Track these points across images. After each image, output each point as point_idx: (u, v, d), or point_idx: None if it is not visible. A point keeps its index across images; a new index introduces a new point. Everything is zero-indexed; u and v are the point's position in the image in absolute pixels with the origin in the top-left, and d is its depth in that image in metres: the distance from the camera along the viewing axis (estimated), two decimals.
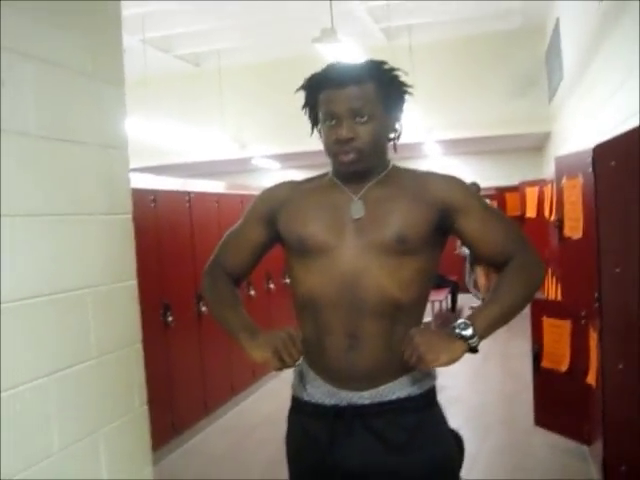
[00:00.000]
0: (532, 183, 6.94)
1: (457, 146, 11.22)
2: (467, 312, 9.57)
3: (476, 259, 1.81)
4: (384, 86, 1.71)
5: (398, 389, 1.70)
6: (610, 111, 4.60)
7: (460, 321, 1.62)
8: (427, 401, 1.75)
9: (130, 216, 2.46)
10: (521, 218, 6.98)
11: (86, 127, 2.27)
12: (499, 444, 4.46)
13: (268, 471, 4.07)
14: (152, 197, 4.41)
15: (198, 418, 4.96)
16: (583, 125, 6.02)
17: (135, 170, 9.34)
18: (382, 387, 1.69)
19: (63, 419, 2.08)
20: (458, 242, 2.10)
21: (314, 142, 1.83)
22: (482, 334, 1.62)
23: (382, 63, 1.75)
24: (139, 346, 2.49)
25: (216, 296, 1.89)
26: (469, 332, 1.60)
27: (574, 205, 3.63)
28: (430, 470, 1.70)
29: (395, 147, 1.80)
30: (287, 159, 11.40)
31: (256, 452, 4.48)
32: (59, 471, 2.05)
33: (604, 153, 3.23)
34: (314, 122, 1.78)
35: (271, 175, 11.59)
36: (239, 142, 10.25)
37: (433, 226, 1.69)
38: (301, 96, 1.78)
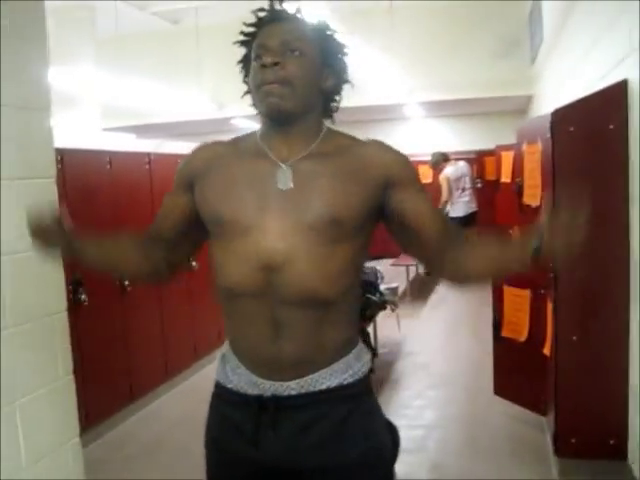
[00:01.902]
0: (507, 147, 6.81)
1: (439, 108, 11.05)
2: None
3: (409, 246, 1.64)
4: (322, 34, 1.60)
5: (328, 378, 1.56)
6: (584, 73, 4.47)
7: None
8: (360, 389, 1.62)
9: (53, 180, 2.36)
10: (496, 182, 6.87)
11: (4, 88, 2.13)
12: (459, 412, 4.43)
13: None
14: (107, 159, 4.29)
15: (158, 383, 4.90)
16: (560, 88, 5.89)
17: (110, 130, 9.16)
18: (310, 376, 1.55)
19: None
20: None
21: None
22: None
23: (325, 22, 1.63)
24: (62, 315, 2.41)
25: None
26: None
27: (533, 172, 3.54)
28: (360, 465, 1.58)
29: (333, 119, 1.66)
30: None
31: None
32: None
33: (563, 118, 3.13)
34: (247, 74, 1.62)
35: None
36: (217, 102, 10.06)
37: (371, 206, 1.54)
38: None
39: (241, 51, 1.64)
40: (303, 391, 1.55)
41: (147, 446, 4.07)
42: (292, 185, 1.51)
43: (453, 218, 9.65)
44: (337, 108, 1.68)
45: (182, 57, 9.83)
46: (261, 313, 1.52)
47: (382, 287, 5.29)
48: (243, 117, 11.00)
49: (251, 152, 1.59)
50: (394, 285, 5.66)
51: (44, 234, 1.63)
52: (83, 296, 3.90)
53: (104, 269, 1.94)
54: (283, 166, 1.53)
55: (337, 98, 1.66)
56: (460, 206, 9.53)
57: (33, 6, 2.30)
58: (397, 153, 1.61)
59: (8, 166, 2.16)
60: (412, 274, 8.94)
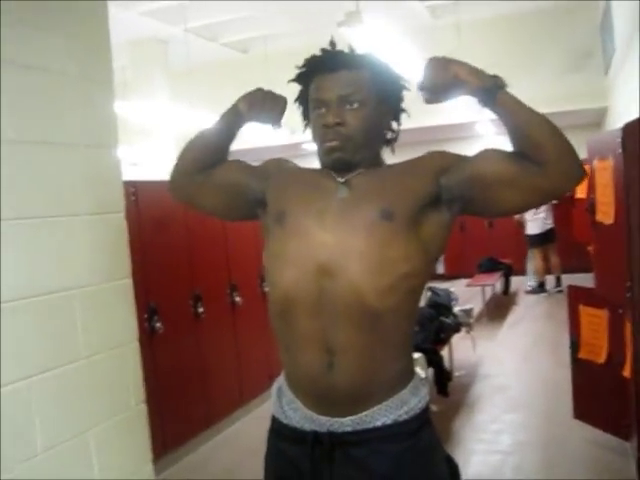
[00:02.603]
0: (582, 162, 6.63)
1: None
2: (521, 296, 9.43)
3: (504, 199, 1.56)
4: (379, 75, 1.63)
5: (383, 414, 1.54)
6: None
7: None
8: (417, 425, 1.59)
9: (122, 214, 2.43)
10: (571, 199, 6.72)
11: (71, 128, 2.25)
12: (537, 437, 4.30)
13: None
14: None
15: (233, 408, 4.96)
16: (634, 100, 5.73)
17: None
18: (365, 412, 1.54)
19: (47, 420, 2.08)
20: None
21: None
22: (509, 94, 1.50)
23: (378, 56, 1.67)
24: (135, 345, 2.47)
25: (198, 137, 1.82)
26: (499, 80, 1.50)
27: (605, 188, 3.43)
28: None
29: (393, 149, 1.70)
30: None
31: None
32: (43, 471, 2.04)
33: (634, 133, 3.03)
34: (306, 116, 1.70)
35: None
36: (289, 127, 10.16)
37: (423, 196, 1.56)
38: None
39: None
40: (358, 428, 1.54)
41: (223, 472, 4.11)
42: (347, 194, 1.58)
43: (530, 236, 9.47)
44: (397, 138, 1.72)
45: (252, 85, 9.99)
46: (314, 334, 1.53)
47: (456, 309, 5.22)
48: (310, 137, 11.15)
49: (316, 172, 1.68)
50: (468, 307, 5.59)
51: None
52: (158, 324, 4.00)
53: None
54: (341, 180, 1.60)
55: (396, 129, 1.71)
56: (537, 224, 9.35)
57: (100, 49, 2.40)
58: (444, 151, 1.66)
59: (79, 203, 2.25)
60: (488, 294, 8.78)
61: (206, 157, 1.77)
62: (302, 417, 1.59)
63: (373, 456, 1.54)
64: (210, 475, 4.07)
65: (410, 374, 1.64)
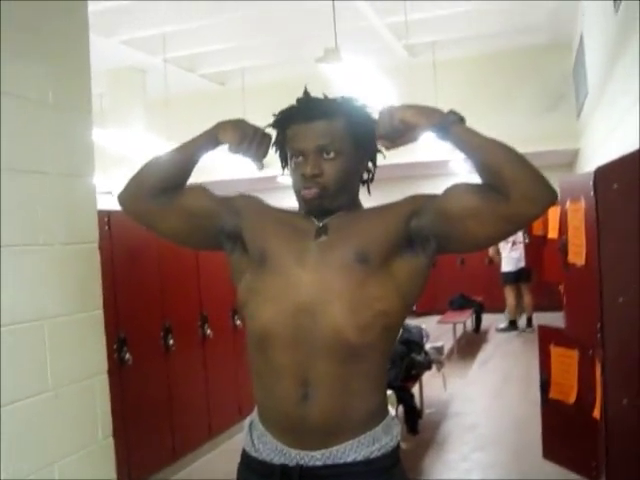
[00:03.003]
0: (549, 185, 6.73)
1: None
2: (492, 333, 9.47)
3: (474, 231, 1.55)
4: (354, 122, 1.65)
5: (355, 450, 1.55)
6: (629, 127, 4.43)
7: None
8: (388, 463, 1.59)
9: (95, 245, 2.41)
10: (543, 238, 6.79)
11: (46, 156, 2.24)
12: (507, 476, 4.29)
13: None
14: None
15: (201, 442, 4.88)
16: (605, 143, 5.85)
17: None
18: (336, 447, 1.54)
19: (14, 451, 2.03)
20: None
21: None
22: (460, 125, 1.54)
23: (353, 99, 1.69)
24: (103, 377, 2.43)
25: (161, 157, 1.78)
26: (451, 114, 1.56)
27: (577, 230, 3.48)
28: None
29: (369, 189, 1.74)
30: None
31: None
32: None
33: (606, 175, 3.08)
34: (284, 159, 1.72)
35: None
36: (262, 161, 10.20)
37: (396, 237, 1.58)
38: None
39: (284, 105, 1.70)
40: (329, 462, 1.54)
41: None
42: (325, 237, 1.61)
43: (504, 273, 9.54)
44: (372, 178, 1.76)
45: (229, 117, 10.06)
46: (290, 365, 1.55)
47: (427, 346, 5.22)
48: (287, 175, 11.19)
49: (294, 214, 1.71)
50: (439, 344, 5.60)
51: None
52: (127, 355, 3.94)
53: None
54: (319, 224, 1.63)
55: (371, 170, 1.75)
56: (510, 261, 9.43)
57: (81, 78, 2.40)
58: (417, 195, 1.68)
59: (52, 232, 2.22)
60: (459, 332, 8.81)
61: (173, 179, 1.74)
62: (272, 450, 1.59)
63: None
64: None
65: (384, 411, 1.65)
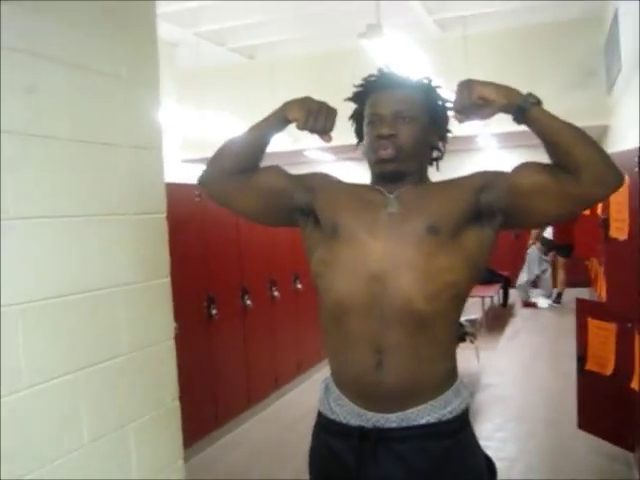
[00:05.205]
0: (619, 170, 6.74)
1: (512, 139, 10.97)
2: (519, 309, 9.53)
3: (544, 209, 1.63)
4: (431, 97, 1.76)
5: (428, 413, 1.63)
6: None
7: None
8: (459, 425, 1.67)
9: (164, 215, 2.50)
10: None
11: (118, 129, 2.31)
12: (541, 446, 4.39)
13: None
14: (196, 192, 4.47)
15: (241, 409, 5.02)
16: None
17: (188, 161, 9.37)
18: (411, 410, 1.62)
19: (92, 413, 2.13)
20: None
21: None
22: (539, 108, 1.58)
23: (429, 78, 1.78)
24: (171, 342, 2.54)
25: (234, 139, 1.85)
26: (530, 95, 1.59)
27: (620, 205, 3.53)
28: None
29: (437, 167, 1.83)
30: (341, 151, 11.36)
31: (298, 444, 4.46)
32: (89, 462, 2.11)
33: None
34: (359, 133, 1.81)
35: (325, 167, 11.55)
36: (292, 135, 10.25)
37: (466, 210, 1.65)
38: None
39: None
40: (403, 424, 1.62)
41: (231, 472, 4.17)
42: (397, 209, 1.68)
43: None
44: (442, 157, 1.84)
45: (258, 91, 10.11)
46: (364, 334, 1.62)
47: (462, 319, 5.30)
48: (316, 149, 11.22)
49: (365, 187, 1.79)
50: (473, 317, 5.67)
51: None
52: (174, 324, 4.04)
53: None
54: (391, 196, 1.71)
55: (442, 149, 1.83)
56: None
57: (149, 53, 2.48)
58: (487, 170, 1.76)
59: (125, 202, 2.31)
60: (487, 305, 8.87)
61: (247, 159, 1.82)
62: (348, 412, 1.68)
63: (415, 452, 1.62)
64: (219, 475, 4.13)
65: (454, 375, 1.73)
